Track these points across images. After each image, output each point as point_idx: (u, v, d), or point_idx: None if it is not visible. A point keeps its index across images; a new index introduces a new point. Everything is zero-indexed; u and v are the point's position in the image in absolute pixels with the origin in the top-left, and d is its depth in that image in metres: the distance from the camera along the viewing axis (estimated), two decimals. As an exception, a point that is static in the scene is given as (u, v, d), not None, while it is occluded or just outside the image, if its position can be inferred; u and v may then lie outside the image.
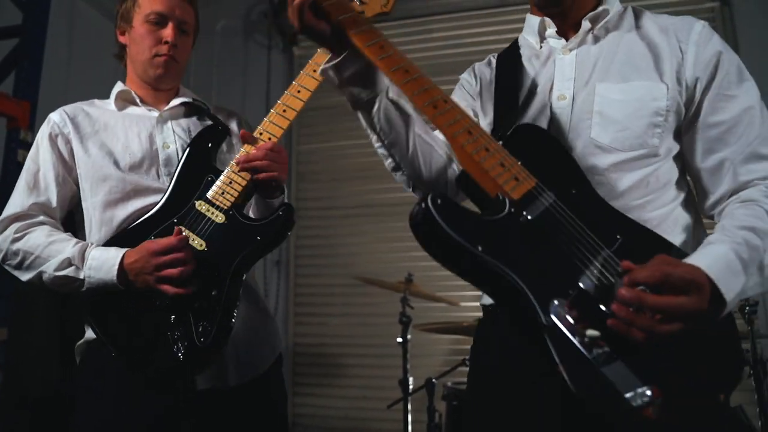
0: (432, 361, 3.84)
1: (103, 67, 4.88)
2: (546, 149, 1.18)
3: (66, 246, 1.57)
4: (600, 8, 1.30)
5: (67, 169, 1.69)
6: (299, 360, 4.30)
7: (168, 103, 1.81)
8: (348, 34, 1.14)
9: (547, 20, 1.35)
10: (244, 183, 1.60)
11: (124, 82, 1.85)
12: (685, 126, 1.24)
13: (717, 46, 1.22)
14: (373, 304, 4.00)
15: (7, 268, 1.64)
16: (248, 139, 1.64)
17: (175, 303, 1.51)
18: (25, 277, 1.61)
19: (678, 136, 1.24)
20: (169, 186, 1.64)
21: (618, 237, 1.06)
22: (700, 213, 1.27)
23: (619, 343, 0.94)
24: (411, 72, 1.13)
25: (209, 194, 1.60)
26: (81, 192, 1.68)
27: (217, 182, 1.61)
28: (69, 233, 1.64)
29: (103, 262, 1.51)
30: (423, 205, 0.99)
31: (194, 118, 1.83)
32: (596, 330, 0.95)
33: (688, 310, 0.93)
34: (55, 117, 1.72)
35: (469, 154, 1.07)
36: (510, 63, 1.38)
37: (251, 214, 1.70)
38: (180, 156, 1.70)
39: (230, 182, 1.60)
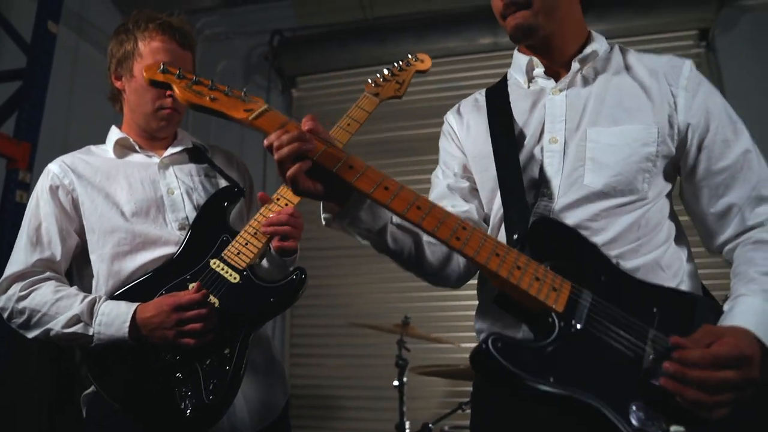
0: (428, 404, 3.79)
1: (103, 109, 4.96)
2: (565, 242, 1.18)
3: (74, 302, 1.53)
4: (589, 50, 1.32)
5: (69, 220, 1.65)
6: (295, 402, 4.23)
7: (166, 148, 1.80)
8: (349, 182, 1.10)
9: (535, 60, 1.36)
10: (260, 246, 1.60)
11: (119, 126, 1.82)
12: (686, 174, 1.27)
13: (706, 91, 1.26)
14: (369, 345, 3.97)
15: (11, 325, 1.59)
16: (266, 201, 1.64)
17: (185, 359, 1.50)
18: (31, 334, 1.57)
19: (667, 177, 1.27)
20: (182, 242, 1.63)
21: (654, 310, 1.09)
22: (706, 249, 1.30)
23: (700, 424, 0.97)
24: (423, 207, 1.10)
25: (224, 254, 1.60)
26: (88, 244, 1.64)
27: (233, 242, 1.61)
28: (76, 287, 1.61)
29: (114, 318, 1.49)
30: (484, 347, 0.99)
31: (195, 163, 1.82)
32: (678, 424, 0.98)
33: (737, 383, 0.96)
34: (54, 168, 1.68)
35: (505, 278, 1.07)
36: (500, 105, 1.38)
37: (264, 263, 1.70)
38: (186, 201, 1.71)
39: (246, 243, 1.60)
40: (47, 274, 1.61)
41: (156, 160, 1.77)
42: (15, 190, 2.92)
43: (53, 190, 1.65)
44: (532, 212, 1.23)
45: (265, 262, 1.70)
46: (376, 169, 1.11)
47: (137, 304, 1.51)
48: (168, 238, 1.64)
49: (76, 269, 1.73)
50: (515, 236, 1.20)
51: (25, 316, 1.55)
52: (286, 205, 1.63)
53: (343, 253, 4.31)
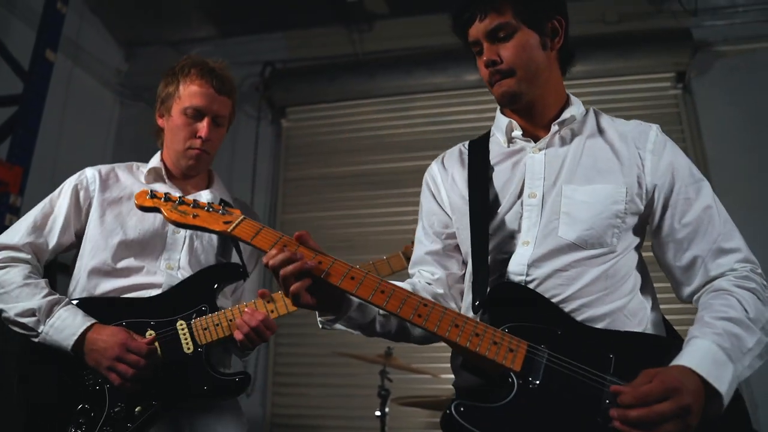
0: (410, 435, 3.79)
1: (93, 134, 5.01)
2: (522, 303, 1.28)
3: (37, 294, 1.59)
4: (567, 114, 1.44)
5: (76, 220, 1.74)
6: (277, 431, 4.21)
7: (197, 188, 1.88)
8: (344, 290, 1.23)
9: (514, 123, 1.47)
10: (227, 333, 1.64)
11: (162, 153, 1.91)
12: (654, 231, 1.38)
13: (670, 154, 1.38)
14: (352, 375, 3.97)
15: None
16: (265, 297, 1.69)
17: (99, 394, 1.54)
18: None
19: (636, 232, 1.37)
20: (166, 289, 1.68)
21: (611, 356, 1.17)
22: (677, 297, 1.38)
23: None
24: (386, 290, 1.23)
25: (194, 321, 1.64)
26: (81, 248, 1.72)
27: (208, 317, 1.66)
28: (46, 280, 1.66)
29: (66, 326, 1.54)
30: (448, 413, 1.12)
31: None
32: None
33: (673, 412, 1.03)
34: (88, 172, 1.80)
35: (465, 346, 1.18)
36: (481, 163, 1.49)
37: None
38: (185, 244, 1.76)
39: (217, 324, 1.65)
40: (30, 257, 1.68)
41: (177, 195, 1.84)
42: (5, 213, 2.95)
43: (76, 190, 1.76)
44: (505, 271, 1.33)
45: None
46: (342, 262, 1.26)
47: (95, 321, 1.56)
48: (150, 272, 1.70)
49: (72, 264, 1.79)
50: (477, 302, 1.32)
51: None
52: (273, 311, 1.70)
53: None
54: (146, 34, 5.12)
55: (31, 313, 1.56)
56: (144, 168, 1.88)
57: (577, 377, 1.15)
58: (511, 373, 1.16)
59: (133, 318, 1.62)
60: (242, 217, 1.35)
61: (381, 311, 1.39)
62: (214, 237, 1.84)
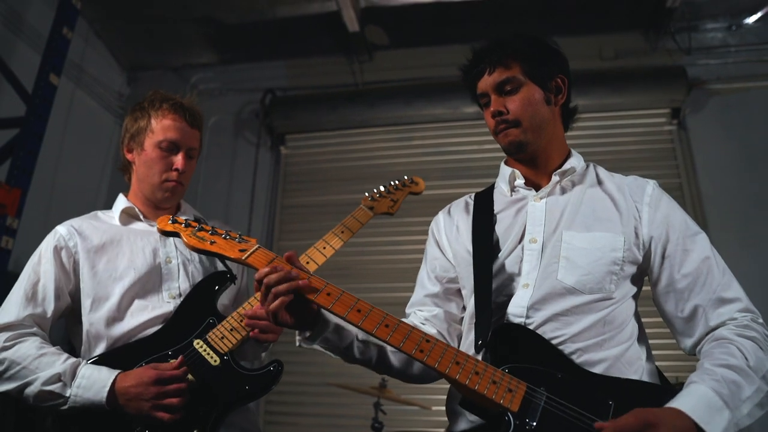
0: (403, 468, 3.73)
1: (93, 157, 5.04)
2: (523, 344, 1.30)
3: (56, 360, 1.56)
4: (568, 165, 1.50)
5: (66, 281, 1.71)
6: (266, 462, 4.15)
7: (170, 217, 1.88)
8: (326, 307, 1.28)
9: (517, 172, 1.54)
10: (244, 333, 1.66)
11: (125, 193, 1.91)
12: (653, 283, 1.40)
13: (666, 206, 1.42)
14: (345, 406, 3.92)
15: None
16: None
17: None
18: (3, 387, 1.56)
19: (634, 282, 1.39)
20: (169, 318, 1.69)
21: (610, 403, 1.17)
22: (683, 350, 1.38)
23: None
24: (390, 324, 1.26)
25: (209, 336, 1.65)
26: (81, 307, 1.69)
27: (219, 327, 1.67)
28: (58, 347, 1.63)
29: (93, 382, 1.51)
30: None
31: None
32: None
33: None
34: (61, 230, 1.76)
35: (465, 384, 1.19)
36: (485, 213, 1.54)
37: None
38: (180, 271, 1.77)
39: (231, 329, 1.66)
40: (34, 329, 1.64)
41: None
42: (1, 236, 2.94)
43: (57, 251, 1.72)
44: (505, 313, 1.35)
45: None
46: (350, 294, 1.29)
47: (118, 371, 1.53)
48: (157, 306, 1.70)
49: (67, 327, 1.77)
50: (479, 342, 1.34)
51: (2, 367, 1.56)
52: None
53: (323, 309, 4.33)
54: (149, 58, 5.19)
55: (57, 378, 1.52)
56: (110, 213, 1.88)
57: (574, 421, 1.15)
58: (509, 413, 1.16)
59: (150, 356, 1.60)
60: (257, 246, 1.39)
61: (359, 336, 1.42)
62: (204, 258, 1.86)
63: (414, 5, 4.36)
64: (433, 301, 1.58)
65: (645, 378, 1.31)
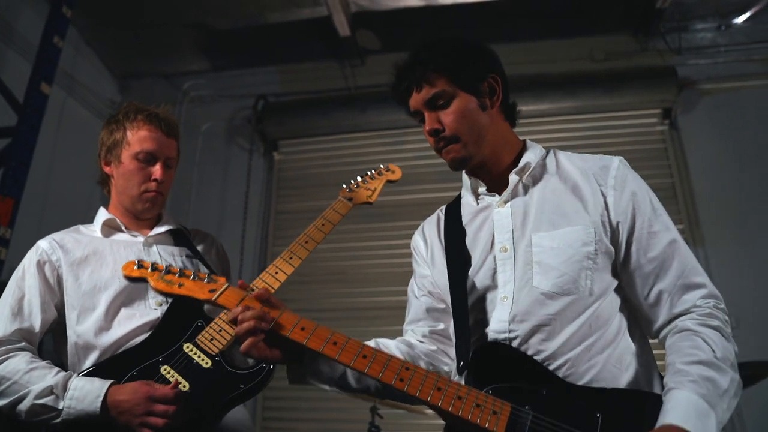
0: (401, 472, 3.73)
1: (85, 166, 5.00)
2: (505, 363, 1.27)
3: (48, 374, 1.55)
4: (523, 162, 1.43)
5: (51, 295, 1.70)
6: (264, 468, 4.14)
7: (151, 228, 1.89)
8: (301, 343, 1.26)
9: (478, 180, 1.48)
10: (233, 332, 1.60)
11: (106, 206, 1.90)
12: (621, 266, 1.36)
13: (632, 187, 1.37)
14: (342, 410, 3.92)
15: None
16: (244, 289, 1.68)
17: None
18: None
19: (613, 273, 1.35)
20: (157, 324, 1.68)
21: (597, 415, 1.16)
22: (648, 335, 1.36)
23: None
24: (368, 354, 1.24)
25: (198, 339, 1.65)
26: (66, 319, 1.69)
27: (207, 329, 1.66)
28: (48, 361, 1.62)
29: (86, 393, 1.50)
30: None
31: (177, 245, 1.89)
32: None
33: None
34: (43, 244, 1.75)
35: (447, 410, 1.17)
36: (454, 228, 1.50)
37: None
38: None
39: (220, 330, 1.65)
40: (23, 344, 1.63)
41: (140, 239, 1.85)
42: (-6, 245, 2.93)
43: (40, 265, 1.72)
44: (485, 330, 1.32)
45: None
46: (324, 328, 1.28)
47: (111, 381, 1.53)
48: (144, 314, 1.70)
49: (54, 341, 1.76)
50: (461, 363, 1.31)
51: None
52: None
53: (319, 315, 4.32)
54: (140, 66, 5.18)
55: (49, 391, 1.51)
56: (92, 226, 1.88)
57: None
58: None
59: (141, 364, 1.60)
60: (226, 285, 1.40)
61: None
62: (191, 264, 1.87)
63: (405, 9, 4.37)
64: (432, 316, 1.53)
65: (638, 371, 1.28)
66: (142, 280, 1.45)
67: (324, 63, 4.95)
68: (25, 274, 1.71)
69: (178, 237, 1.92)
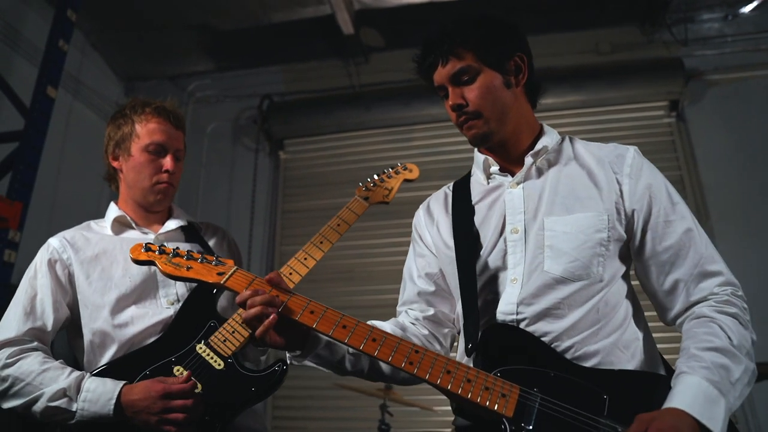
0: (412, 469, 3.73)
1: (92, 168, 5.02)
2: (514, 345, 1.27)
3: (60, 375, 1.55)
4: (540, 145, 1.43)
5: (63, 294, 1.70)
6: (275, 467, 4.15)
7: (162, 224, 1.88)
8: (310, 326, 1.27)
9: (490, 159, 1.48)
10: (247, 335, 1.63)
11: (116, 202, 1.90)
12: (636, 254, 1.36)
13: (648, 175, 1.36)
14: (352, 408, 3.93)
15: None
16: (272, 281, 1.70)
17: None
18: (7, 404, 1.56)
19: (622, 259, 1.35)
20: (170, 323, 1.68)
21: (605, 397, 1.16)
22: (662, 322, 1.36)
23: None
24: (378, 338, 1.24)
25: (211, 339, 1.64)
26: (81, 317, 1.69)
27: (221, 329, 1.65)
28: (62, 360, 1.62)
29: (99, 395, 1.50)
30: None
31: (188, 241, 1.88)
32: None
33: None
34: (54, 243, 1.75)
35: (457, 393, 1.17)
36: (463, 204, 1.49)
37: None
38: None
39: (233, 332, 1.64)
40: (35, 344, 1.63)
41: (151, 236, 1.84)
42: (4, 249, 2.94)
43: (51, 264, 1.72)
44: (494, 312, 1.32)
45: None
46: (334, 311, 1.28)
47: (123, 383, 1.53)
48: (156, 313, 1.70)
49: (68, 338, 1.77)
50: (469, 345, 1.31)
51: (6, 384, 1.55)
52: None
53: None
54: (145, 68, 5.20)
55: (62, 394, 1.52)
56: (103, 222, 1.87)
57: (571, 421, 1.13)
58: (504, 420, 1.14)
59: (154, 363, 1.59)
60: (235, 268, 1.39)
61: (350, 349, 1.39)
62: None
63: (408, 6, 4.36)
64: (426, 300, 1.54)
65: (644, 358, 1.28)
66: (150, 263, 1.42)
67: (328, 61, 4.95)
68: (37, 273, 1.72)
69: (189, 233, 1.91)
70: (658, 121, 4.36)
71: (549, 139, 1.46)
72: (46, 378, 1.54)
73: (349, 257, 4.33)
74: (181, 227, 1.91)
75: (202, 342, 1.64)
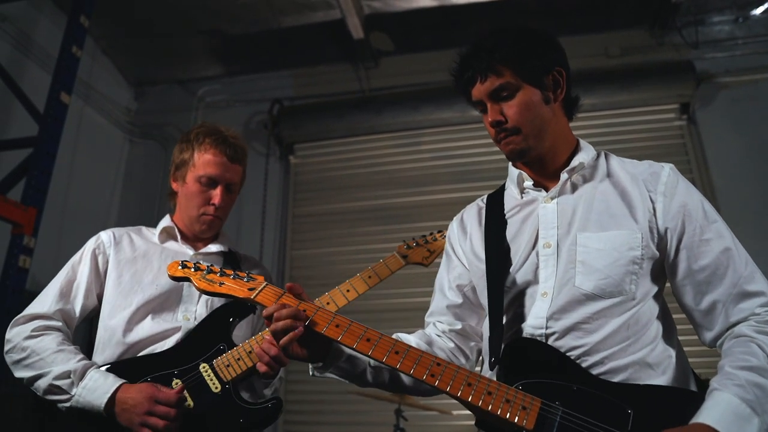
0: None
1: (103, 174, 5.07)
2: (537, 359, 1.26)
3: (72, 358, 1.63)
4: (576, 161, 1.43)
5: (96, 284, 1.79)
6: (286, 472, 4.14)
7: (206, 244, 1.93)
8: (335, 339, 1.30)
9: (524, 173, 1.48)
10: (250, 365, 1.66)
11: (171, 215, 1.96)
12: (670, 273, 1.34)
13: (682, 194, 1.35)
14: (366, 413, 3.91)
15: (6, 358, 1.68)
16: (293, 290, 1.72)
17: None
18: (20, 374, 1.65)
19: (655, 278, 1.33)
20: (182, 337, 1.71)
21: (629, 411, 1.14)
22: (702, 342, 1.33)
23: None
24: (401, 351, 1.26)
25: (216, 361, 1.67)
26: (100, 311, 1.76)
27: (228, 354, 1.68)
28: (77, 347, 1.69)
29: (98, 386, 1.57)
30: None
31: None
32: None
33: None
34: (104, 236, 1.85)
35: (478, 405, 1.18)
36: (496, 219, 1.50)
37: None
38: (201, 296, 1.78)
39: (238, 359, 1.67)
40: (60, 324, 1.72)
41: (190, 252, 1.89)
42: (18, 255, 2.95)
43: (95, 255, 1.81)
44: (522, 326, 1.31)
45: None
46: (358, 324, 1.31)
47: (123, 381, 1.59)
48: (168, 325, 1.73)
49: (90, 329, 1.85)
50: (492, 359, 1.31)
51: (24, 354, 1.64)
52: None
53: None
54: (155, 73, 5.23)
55: (67, 375, 1.59)
56: (153, 229, 1.94)
57: None
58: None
59: (156, 372, 1.64)
60: (265, 283, 1.43)
61: (372, 362, 1.41)
62: None
63: (417, 10, 4.36)
64: (454, 313, 1.55)
65: (675, 376, 1.26)
66: (186, 279, 1.47)
67: (338, 66, 4.96)
68: (82, 259, 1.81)
69: (228, 259, 1.95)
70: (669, 124, 4.35)
71: (585, 155, 1.45)
72: (59, 358, 1.62)
73: (359, 261, 4.32)
74: (222, 252, 1.95)
75: (207, 362, 1.67)
